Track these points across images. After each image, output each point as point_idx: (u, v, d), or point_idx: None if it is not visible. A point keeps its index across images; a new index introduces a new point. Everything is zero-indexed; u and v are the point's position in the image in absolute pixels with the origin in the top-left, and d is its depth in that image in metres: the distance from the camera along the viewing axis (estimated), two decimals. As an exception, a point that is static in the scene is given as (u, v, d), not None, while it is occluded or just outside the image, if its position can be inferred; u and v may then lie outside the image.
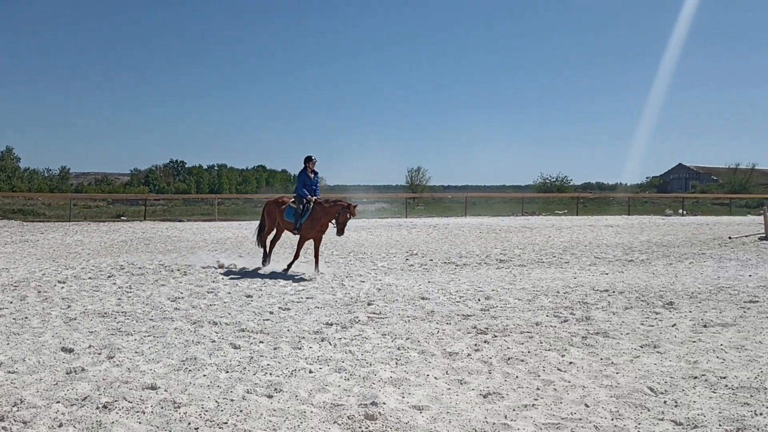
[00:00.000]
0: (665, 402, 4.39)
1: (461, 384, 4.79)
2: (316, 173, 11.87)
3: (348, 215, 11.10)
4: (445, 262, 12.87)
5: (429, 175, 70.36)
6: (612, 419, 4.07)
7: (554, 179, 56.91)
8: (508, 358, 5.49)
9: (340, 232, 11.24)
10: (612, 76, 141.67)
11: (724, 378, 4.92)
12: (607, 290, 9.16)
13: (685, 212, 34.43)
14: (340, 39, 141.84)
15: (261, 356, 5.56)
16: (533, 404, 4.34)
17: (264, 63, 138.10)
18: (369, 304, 8.02)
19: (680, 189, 61.16)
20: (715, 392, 4.61)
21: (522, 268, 11.99)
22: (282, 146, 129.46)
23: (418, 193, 48.81)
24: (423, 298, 8.46)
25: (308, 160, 11.64)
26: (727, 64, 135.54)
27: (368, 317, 7.22)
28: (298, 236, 11.69)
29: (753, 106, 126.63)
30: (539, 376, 5.01)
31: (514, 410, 4.23)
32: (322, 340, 6.13)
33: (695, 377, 4.96)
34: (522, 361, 5.43)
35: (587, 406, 4.32)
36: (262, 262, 12.00)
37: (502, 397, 4.49)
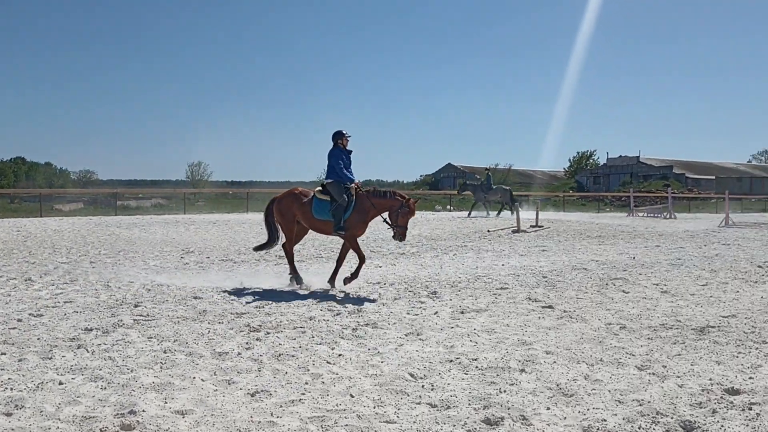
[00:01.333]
0: (423, 386, 4.67)
1: (229, 384, 4.67)
2: (350, 152, 9.24)
3: (409, 213, 8.76)
4: (222, 260, 12.56)
5: (211, 170, 68.35)
6: (374, 407, 4.23)
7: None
8: (279, 355, 5.47)
9: (401, 236, 8.81)
10: (388, 79, 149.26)
11: (476, 360, 5.37)
12: (379, 282, 9.57)
13: (452, 208, 37.36)
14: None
15: (1, 370, 4.93)
16: (300, 399, 4.37)
17: None
18: (136, 306, 7.53)
19: (449, 186, 66.10)
20: (467, 374, 5.00)
21: (300, 263, 12.08)
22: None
23: (198, 189, 47.21)
24: (196, 298, 8.14)
25: (340, 135, 9.03)
26: (488, 72, 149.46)
27: (134, 320, 6.77)
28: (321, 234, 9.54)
29: (508, 113, 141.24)
30: (308, 370, 5.06)
31: (280, 407, 4.21)
32: (78, 348, 5.61)
33: (451, 360, 5.34)
34: (293, 356, 5.44)
35: (352, 396, 4.44)
36: (295, 281, 9.19)
37: (270, 394, 4.45)
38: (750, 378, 4.89)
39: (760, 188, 65.68)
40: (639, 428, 3.88)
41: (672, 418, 4.04)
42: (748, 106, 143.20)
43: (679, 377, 4.91)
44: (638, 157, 70.73)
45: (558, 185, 70.14)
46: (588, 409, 4.20)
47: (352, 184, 8.93)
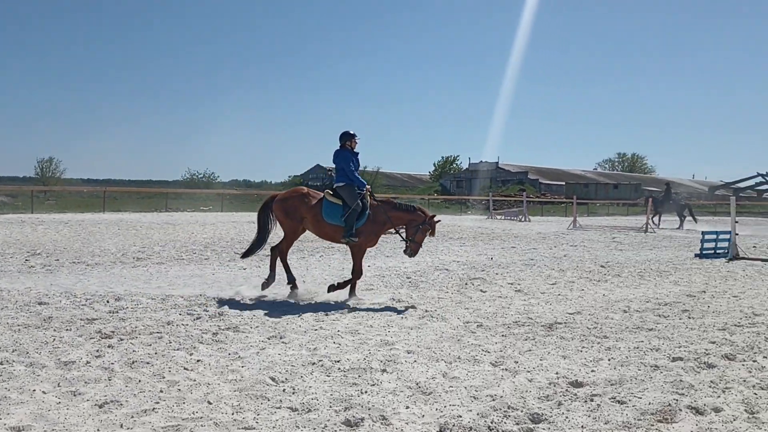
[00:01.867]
0: (284, 390, 4.60)
1: (74, 396, 4.35)
2: (357, 154, 8.73)
3: (429, 231, 8.51)
4: (74, 262, 11.75)
5: (64, 167, 63.96)
6: (233, 413, 4.11)
7: (201, 175, 56.52)
8: (133, 362, 5.18)
9: (414, 252, 8.55)
10: (267, 82, 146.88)
11: (338, 362, 5.37)
12: (243, 285, 9.35)
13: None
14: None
15: None
16: (154, 408, 4.15)
17: None
18: (-32, 314, 6.85)
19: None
20: (329, 376, 4.99)
21: (160, 266, 11.58)
22: None
23: (49, 186, 44.00)
24: (41, 303, 7.54)
25: (349, 137, 8.58)
26: (353, 74, 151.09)
27: (-34, 329, 6.15)
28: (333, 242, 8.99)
29: (375, 116, 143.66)
30: (164, 377, 4.82)
31: (132, 417, 3.98)
32: None
33: (313, 363, 5.31)
34: (147, 363, 5.17)
35: (210, 403, 4.29)
36: (290, 286, 8.63)
37: (121, 404, 4.20)
38: (592, 371, 5.26)
39: (604, 193, 71.24)
40: (492, 422, 4.04)
41: (522, 411, 4.25)
42: (594, 118, 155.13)
43: (529, 372, 5.19)
44: (497, 163, 74.46)
45: (423, 188, 72.23)
46: (445, 406, 4.32)
47: (364, 189, 8.52)
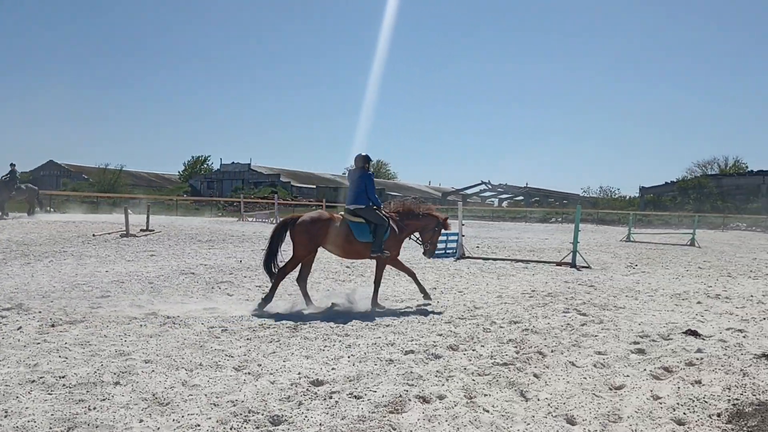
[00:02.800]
0: (-5, 414, 4.05)
1: None
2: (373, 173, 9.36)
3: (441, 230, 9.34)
4: None
5: None
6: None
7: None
8: None
9: (432, 253, 9.52)
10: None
11: (64, 377, 4.88)
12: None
13: (53, 209, 33.75)
14: None
15: None
16: None
17: None
18: None
19: (51, 186, 59.76)
20: (51, 393, 4.51)
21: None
22: None
23: None
24: None
25: (368, 160, 8.90)
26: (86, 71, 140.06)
27: None
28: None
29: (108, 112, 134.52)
30: None
31: None
32: None
33: (33, 381, 4.76)
34: None
35: None
36: (306, 301, 8.48)
37: None
38: (332, 369, 5.44)
39: (352, 198, 74.29)
40: (231, 428, 3.98)
41: (262, 414, 4.24)
42: (344, 122, 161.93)
43: (272, 374, 5.20)
44: (249, 164, 74.04)
45: (172, 189, 69.15)
46: (183, 416, 4.15)
47: (382, 207, 8.97)
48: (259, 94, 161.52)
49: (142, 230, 19.82)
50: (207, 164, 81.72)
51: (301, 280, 8.64)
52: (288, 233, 8.58)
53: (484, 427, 4.18)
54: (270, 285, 8.48)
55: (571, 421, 4.36)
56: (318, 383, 5.01)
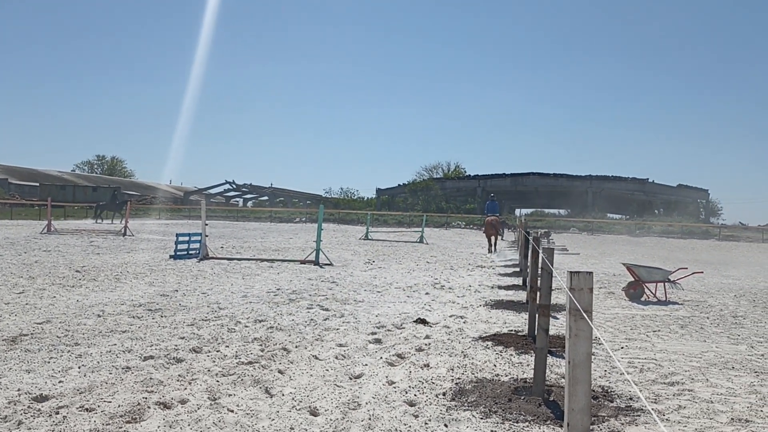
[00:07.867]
0: None
1: None
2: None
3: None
4: None
5: None
6: None
7: None
8: None
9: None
10: None
11: None
12: None
13: None
14: None
15: None
16: None
17: None
18: None
19: None
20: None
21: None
22: None
23: None
24: None
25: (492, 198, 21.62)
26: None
27: None
28: None
29: None
30: None
31: None
32: None
33: None
34: None
35: None
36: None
37: None
38: (60, 382, 4.94)
39: (82, 196, 68.42)
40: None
41: (-28, 440, 3.71)
42: (71, 118, 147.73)
43: (-16, 394, 4.57)
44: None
45: None
46: None
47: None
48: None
49: None
50: None
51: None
52: None
53: (229, 428, 4.13)
54: None
55: (314, 413, 4.50)
56: (42, 399, 4.51)
